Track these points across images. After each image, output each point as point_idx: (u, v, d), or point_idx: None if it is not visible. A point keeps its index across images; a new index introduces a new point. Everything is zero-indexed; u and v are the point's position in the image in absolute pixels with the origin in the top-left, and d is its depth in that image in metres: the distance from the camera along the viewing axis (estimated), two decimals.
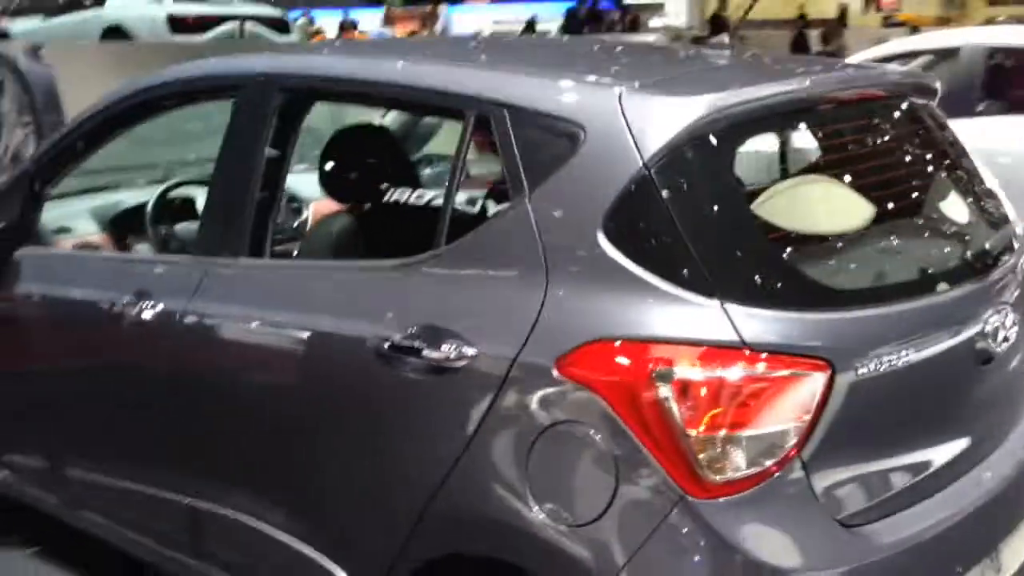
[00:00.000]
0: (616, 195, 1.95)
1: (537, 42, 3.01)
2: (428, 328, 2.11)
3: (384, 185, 2.72)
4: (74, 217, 3.46)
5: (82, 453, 3.03)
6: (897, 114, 2.46)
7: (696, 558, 1.83)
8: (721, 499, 1.83)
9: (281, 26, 13.04)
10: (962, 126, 5.28)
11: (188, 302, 2.58)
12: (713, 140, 1.97)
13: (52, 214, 3.41)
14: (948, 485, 2.17)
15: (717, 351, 1.83)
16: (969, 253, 2.29)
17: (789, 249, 1.99)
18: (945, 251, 2.32)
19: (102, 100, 3.02)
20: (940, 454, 2.16)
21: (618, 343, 1.88)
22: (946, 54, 6.56)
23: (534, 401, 1.96)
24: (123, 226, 3.31)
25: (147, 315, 2.65)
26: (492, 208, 2.46)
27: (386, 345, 2.15)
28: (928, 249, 2.30)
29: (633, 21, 32.02)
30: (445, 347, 2.07)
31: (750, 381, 1.82)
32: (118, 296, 2.74)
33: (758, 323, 1.86)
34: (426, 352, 2.09)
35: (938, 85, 2.62)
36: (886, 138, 2.44)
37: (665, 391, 1.82)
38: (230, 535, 2.60)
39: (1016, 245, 2.49)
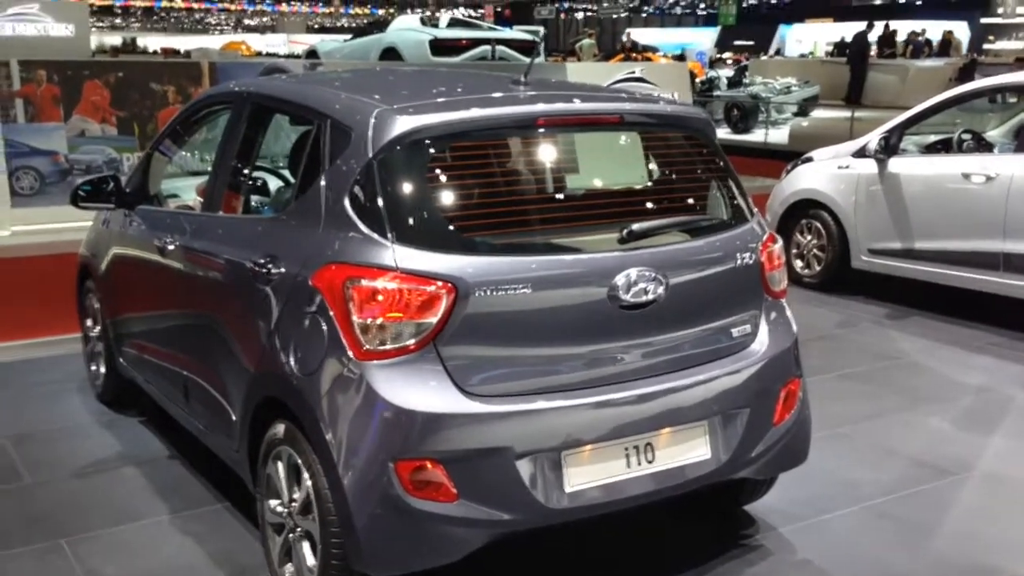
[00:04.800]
0: (355, 174, 3.13)
1: (396, 72, 4.21)
2: (270, 255, 3.38)
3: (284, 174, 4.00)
4: (185, 189, 5.01)
5: (150, 344, 4.56)
6: (618, 133, 3.43)
7: (356, 395, 2.97)
8: (373, 361, 2.95)
9: (530, 49, 14.52)
10: None
11: (187, 239, 4.03)
12: (413, 145, 3.08)
13: (171, 185, 5.02)
14: (589, 388, 3.13)
15: (379, 271, 2.96)
16: (623, 232, 3.17)
17: (444, 215, 3.06)
18: (593, 230, 3.22)
19: (182, 108, 4.55)
20: (579, 366, 3.12)
21: (334, 266, 3.06)
22: None
23: (299, 299, 3.18)
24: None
25: (171, 247, 4.12)
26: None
27: (252, 265, 3.44)
28: (578, 226, 3.21)
29: (943, 45, 30.96)
30: (272, 267, 3.33)
31: (396, 291, 2.93)
32: (167, 236, 4.21)
33: (412, 257, 2.96)
34: (269, 269, 3.36)
35: (684, 112, 3.57)
36: (591, 147, 3.41)
37: (349, 293, 2.98)
38: (198, 395, 4.00)
39: (703, 232, 3.39)
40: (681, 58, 25.18)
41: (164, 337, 4.35)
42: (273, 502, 3.39)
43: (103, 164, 8.40)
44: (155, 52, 31.16)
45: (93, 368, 5.39)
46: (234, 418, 3.64)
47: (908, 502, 4.16)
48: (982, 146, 7.26)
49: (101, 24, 56.63)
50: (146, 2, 51.62)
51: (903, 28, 30.23)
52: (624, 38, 30.13)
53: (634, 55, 24.01)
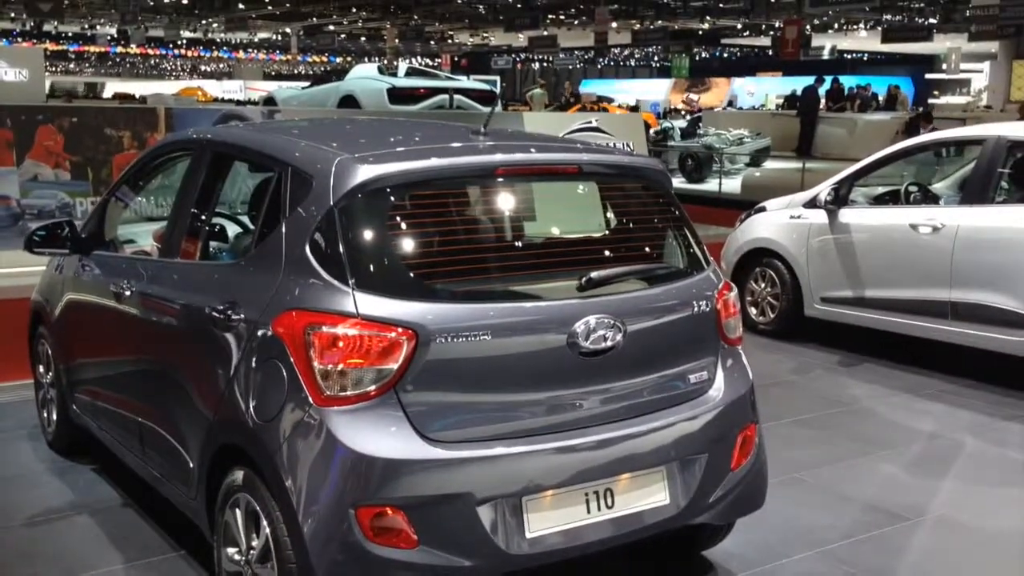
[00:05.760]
0: (316, 222, 3.15)
1: (355, 121, 4.39)
2: (230, 301, 3.38)
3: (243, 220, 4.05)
4: (141, 235, 4.99)
5: (104, 391, 4.51)
6: (573, 181, 3.50)
7: (316, 441, 2.96)
8: (333, 407, 2.95)
9: (487, 99, 14.65)
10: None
11: (144, 285, 4.01)
12: (374, 194, 3.11)
13: (128, 230, 5.00)
14: (549, 434, 3.15)
15: (340, 317, 2.97)
16: (582, 280, 3.22)
17: (404, 263, 3.09)
18: (553, 277, 3.27)
19: (141, 154, 4.55)
20: (539, 412, 3.14)
21: (294, 312, 3.07)
22: (973, 145, 7.08)
23: (258, 345, 3.18)
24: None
25: (127, 293, 4.10)
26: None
27: (211, 311, 3.43)
28: (537, 274, 3.26)
29: (890, 99, 31.70)
30: (232, 313, 3.33)
31: (357, 338, 2.95)
32: (123, 282, 4.18)
33: (372, 304, 2.98)
34: (229, 316, 3.35)
35: (641, 162, 3.64)
36: (549, 195, 3.47)
37: (309, 339, 2.99)
38: (154, 442, 3.96)
39: (658, 280, 3.45)
40: (635, 109, 25.61)
41: (119, 384, 4.30)
42: (230, 550, 3.35)
43: (56, 209, 8.34)
44: (111, 97, 31.02)
45: (45, 415, 5.31)
46: (191, 465, 3.60)
47: (863, 547, 4.21)
48: (928, 198, 7.44)
49: (53, 69, 56.23)
50: (101, 47, 51.40)
51: (850, 84, 31.02)
52: (566, 90, 30.73)
53: (590, 105, 24.41)
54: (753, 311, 8.01)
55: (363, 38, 46.55)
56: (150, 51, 54.40)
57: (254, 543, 3.20)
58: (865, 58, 50.26)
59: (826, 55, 42.57)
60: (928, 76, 47.08)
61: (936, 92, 46.63)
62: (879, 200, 7.62)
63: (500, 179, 3.33)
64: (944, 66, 38.67)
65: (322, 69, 52.40)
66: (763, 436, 3.76)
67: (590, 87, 43.05)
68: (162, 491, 4.00)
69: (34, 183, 8.31)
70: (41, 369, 5.31)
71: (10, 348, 5.99)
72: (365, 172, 3.12)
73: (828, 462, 5.20)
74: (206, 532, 3.59)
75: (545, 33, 37.20)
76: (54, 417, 5.15)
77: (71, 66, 61.83)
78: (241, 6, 37.81)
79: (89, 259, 4.63)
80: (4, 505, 4.57)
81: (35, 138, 8.32)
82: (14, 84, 14.28)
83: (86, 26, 44.83)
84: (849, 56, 48.91)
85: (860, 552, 4.16)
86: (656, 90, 49.42)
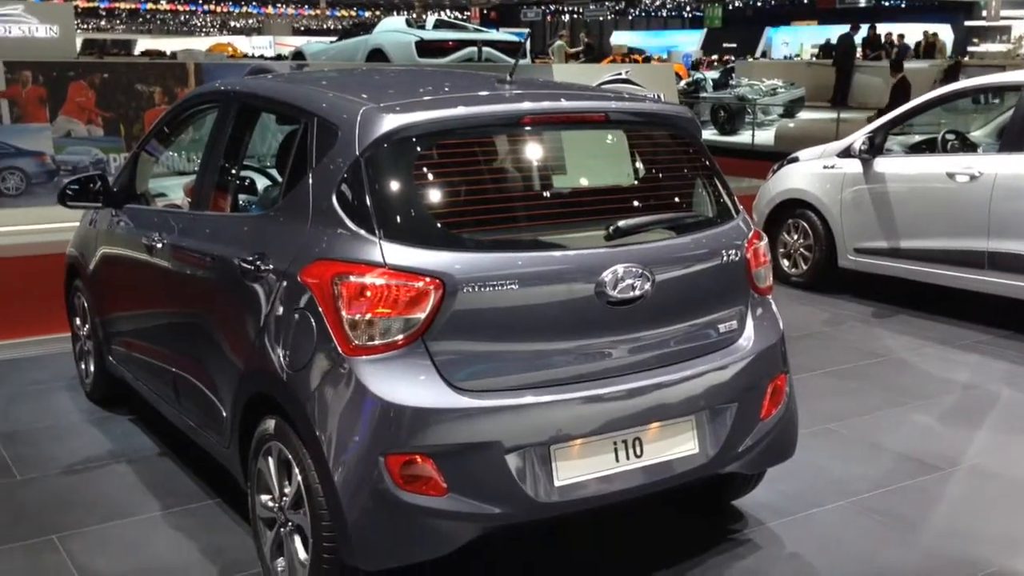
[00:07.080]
0: (343, 172, 3.14)
1: (383, 72, 4.47)
2: (259, 253, 3.39)
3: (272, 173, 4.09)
4: (172, 188, 5.02)
5: (139, 342, 4.56)
6: (603, 130, 3.46)
7: (345, 390, 2.98)
8: (362, 357, 2.97)
9: (516, 51, 14.52)
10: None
11: (175, 237, 4.03)
12: (400, 143, 3.10)
13: (158, 183, 5.03)
14: (577, 383, 3.15)
15: (367, 267, 2.98)
16: (609, 229, 3.20)
17: (431, 212, 3.08)
18: (580, 227, 3.25)
19: (170, 107, 4.56)
20: (567, 361, 3.14)
21: (322, 262, 3.08)
22: (1011, 91, 6.94)
23: (288, 295, 3.20)
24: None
25: (159, 245, 4.13)
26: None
27: (241, 263, 3.45)
28: (564, 224, 3.24)
29: (928, 47, 31.09)
30: (261, 264, 3.35)
31: (384, 287, 2.95)
32: (155, 234, 4.21)
33: (399, 254, 2.98)
34: (258, 266, 3.37)
35: (669, 110, 3.61)
36: (578, 144, 3.44)
37: (337, 289, 3.00)
38: (188, 392, 4.01)
39: (689, 229, 3.42)
40: (648, 59, 25.43)
41: (153, 335, 4.35)
42: (264, 497, 3.40)
43: (89, 165, 8.40)
44: (141, 54, 31.06)
45: (83, 367, 5.39)
46: (224, 414, 3.65)
47: (895, 496, 4.20)
48: (966, 146, 7.32)
49: (85, 26, 56.32)
50: (131, 4, 51.40)
51: (887, 31, 30.44)
52: (582, 39, 30.34)
53: (620, 57, 24.17)
54: (785, 263, 7.95)
55: None
56: (180, 7, 54.29)
57: (287, 490, 3.25)
58: (903, 5, 49.26)
59: (863, 2, 41.76)
60: (967, 23, 46.12)
61: (975, 40, 45.69)
62: (915, 149, 7.51)
63: (527, 128, 3.31)
64: (984, 13, 37.83)
65: (351, 23, 52.09)
66: (793, 386, 3.74)
67: (621, 38, 42.65)
68: (197, 440, 4.06)
69: (67, 139, 8.36)
70: (78, 322, 5.38)
71: (48, 302, 6.07)
72: (391, 121, 3.11)
73: (860, 413, 5.18)
74: (240, 480, 3.64)
75: None
76: (91, 369, 5.23)
77: (102, 23, 61.88)
78: None
79: (121, 212, 4.66)
80: (44, 454, 4.66)
81: (67, 94, 8.36)
82: (45, 40, 14.33)
83: None
84: (887, 3, 47.95)
85: (891, 501, 4.15)
86: (688, 42, 48.79)
